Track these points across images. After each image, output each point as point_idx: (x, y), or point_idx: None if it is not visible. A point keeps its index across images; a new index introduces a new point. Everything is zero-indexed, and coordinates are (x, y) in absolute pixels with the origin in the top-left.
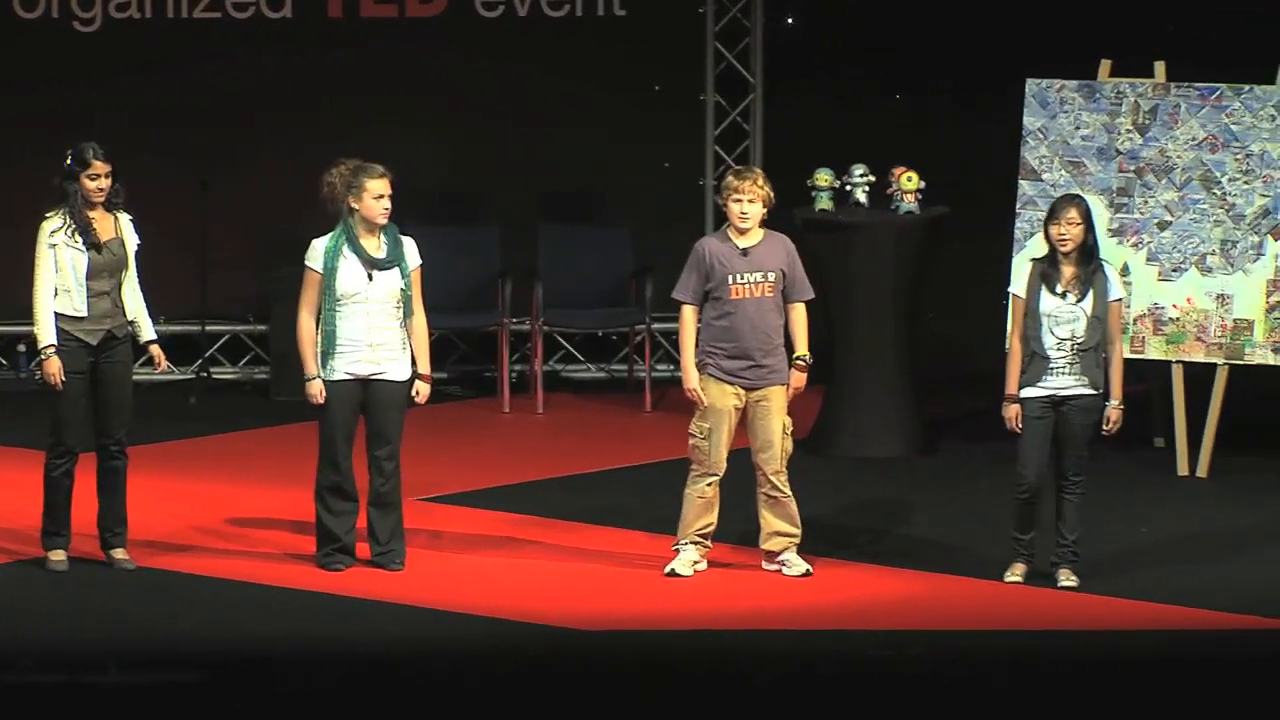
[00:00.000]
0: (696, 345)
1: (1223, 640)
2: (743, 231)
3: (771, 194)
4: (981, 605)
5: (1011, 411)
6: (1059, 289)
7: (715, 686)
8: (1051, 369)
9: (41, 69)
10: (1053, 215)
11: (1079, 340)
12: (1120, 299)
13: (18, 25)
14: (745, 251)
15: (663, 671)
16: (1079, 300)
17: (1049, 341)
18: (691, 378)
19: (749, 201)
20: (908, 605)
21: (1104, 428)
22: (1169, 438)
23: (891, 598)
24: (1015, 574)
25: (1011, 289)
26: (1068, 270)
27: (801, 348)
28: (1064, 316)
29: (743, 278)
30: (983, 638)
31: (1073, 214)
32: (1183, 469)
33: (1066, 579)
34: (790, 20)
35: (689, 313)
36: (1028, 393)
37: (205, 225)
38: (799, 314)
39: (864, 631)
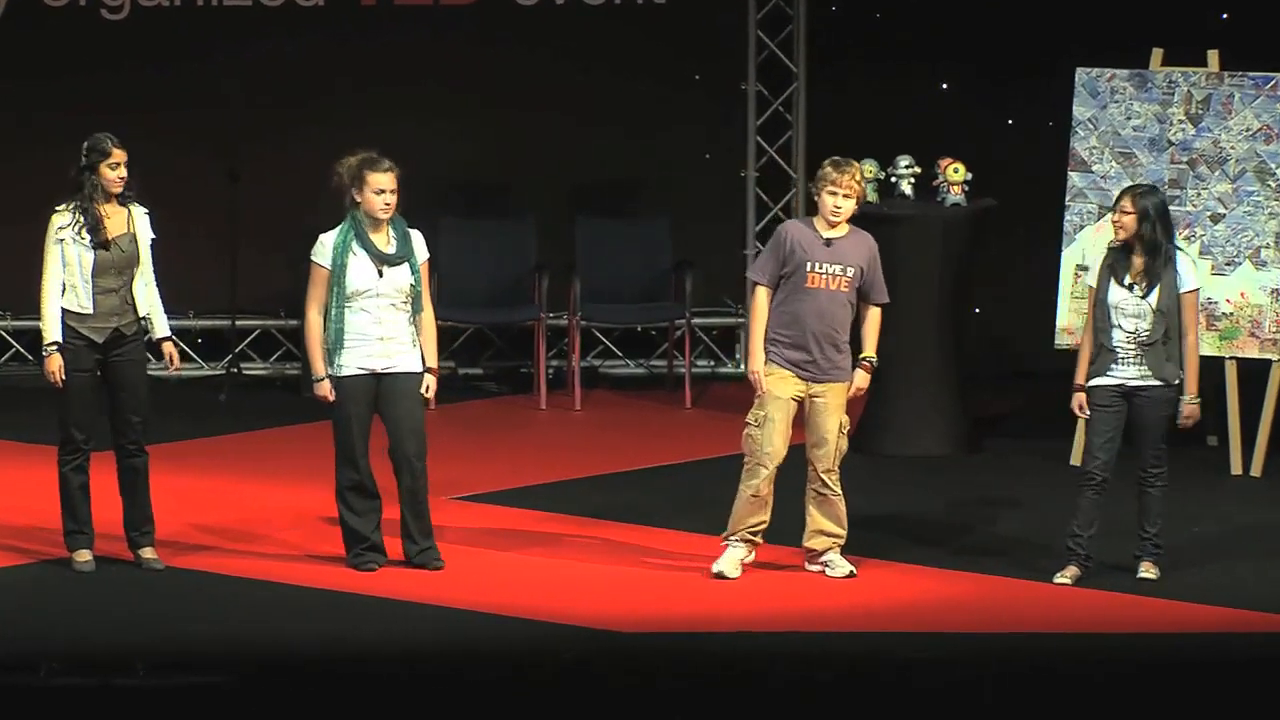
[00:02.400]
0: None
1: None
2: (832, 225)
3: (866, 191)
4: (1027, 607)
5: (1079, 400)
6: (1127, 281)
7: (757, 688)
8: (1118, 359)
9: (69, 58)
10: (1113, 203)
11: (1144, 334)
12: (1194, 289)
13: (46, 13)
14: (829, 242)
15: (702, 673)
16: (1145, 294)
17: (1116, 335)
18: (757, 360)
19: (844, 196)
20: (952, 607)
21: (1178, 422)
22: (1222, 435)
23: (936, 599)
24: (1065, 576)
25: (1087, 279)
26: (1137, 261)
27: (870, 349)
28: (1130, 309)
29: (822, 267)
30: (1028, 640)
31: (1125, 203)
32: (1236, 468)
33: (1146, 571)
34: (834, 8)
35: (762, 294)
36: (1097, 381)
37: (235, 217)
38: (874, 316)
39: (908, 634)
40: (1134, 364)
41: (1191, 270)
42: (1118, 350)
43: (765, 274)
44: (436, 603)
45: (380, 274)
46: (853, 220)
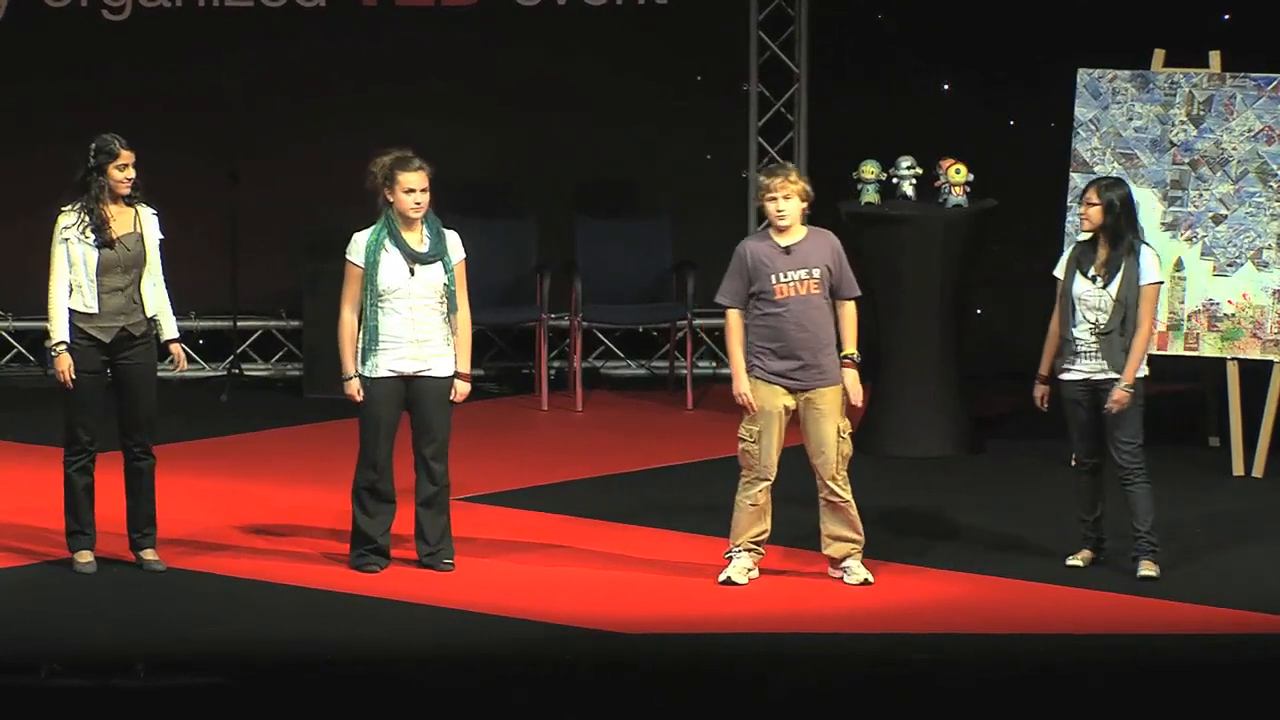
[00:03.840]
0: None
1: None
2: (783, 229)
3: (808, 188)
4: (1030, 608)
5: (1039, 391)
6: (1090, 272)
7: (760, 690)
8: (1079, 352)
9: (71, 59)
10: (1080, 195)
11: (1101, 325)
12: (1156, 283)
13: (47, 15)
14: (788, 249)
15: (704, 675)
16: (1105, 285)
17: (1079, 326)
18: (742, 382)
19: (784, 198)
20: (956, 608)
21: (1104, 407)
22: (1224, 437)
23: (940, 600)
24: (1077, 559)
25: (1055, 271)
26: (1102, 253)
27: (850, 346)
28: (1091, 300)
29: (787, 276)
30: (1031, 641)
31: (1090, 194)
32: (1238, 469)
33: (1146, 570)
34: (835, 9)
35: (734, 317)
36: (1065, 375)
37: (236, 218)
38: (848, 311)
39: (912, 635)
40: (1094, 358)
41: (1155, 264)
42: (1079, 341)
43: (732, 296)
44: (437, 604)
45: (411, 273)
46: (811, 221)
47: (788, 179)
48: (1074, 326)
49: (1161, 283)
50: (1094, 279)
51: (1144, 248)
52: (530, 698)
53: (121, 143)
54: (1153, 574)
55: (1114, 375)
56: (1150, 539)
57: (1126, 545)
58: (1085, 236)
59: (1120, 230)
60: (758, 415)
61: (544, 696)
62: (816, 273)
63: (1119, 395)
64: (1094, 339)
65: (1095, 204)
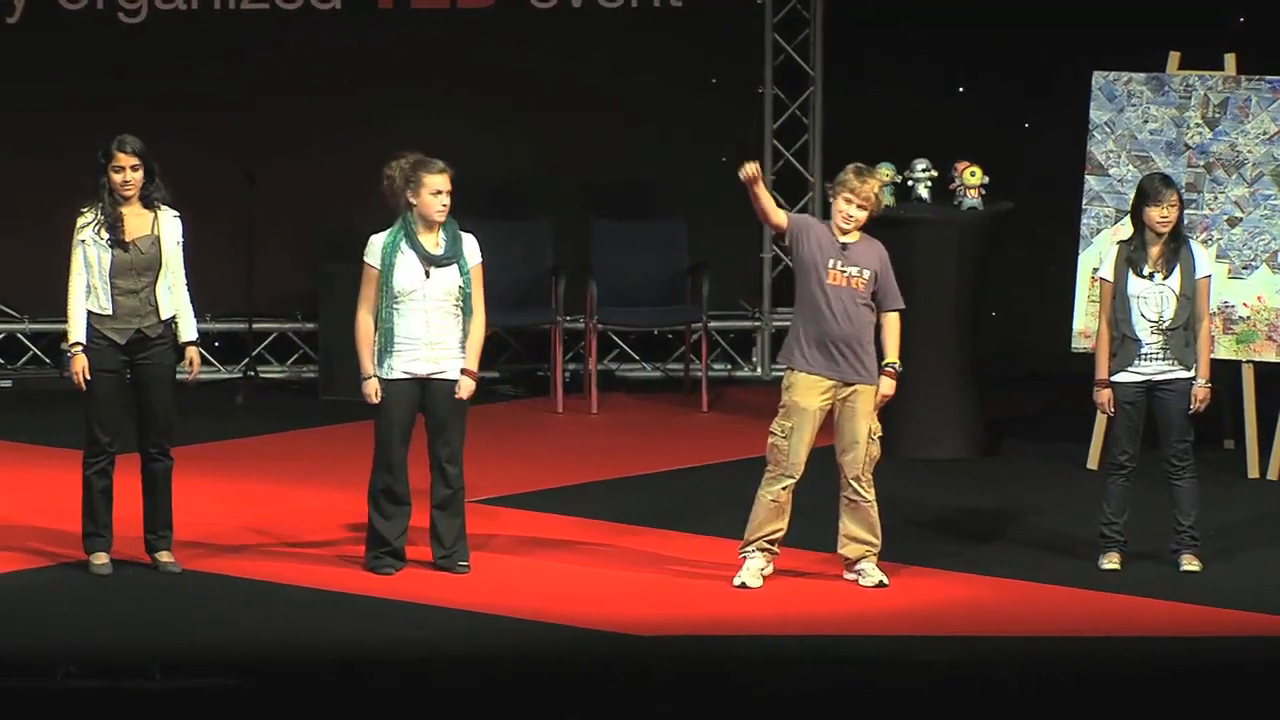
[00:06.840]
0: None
1: None
2: (844, 232)
3: (881, 204)
4: (1048, 611)
5: (1103, 396)
6: (1145, 270)
7: (776, 692)
8: (1143, 353)
9: (86, 61)
10: (1151, 198)
11: (1168, 320)
12: (1209, 275)
13: (63, 17)
14: (845, 246)
15: (722, 677)
16: (1165, 279)
17: (1139, 324)
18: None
19: (858, 206)
20: (971, 611)
21: (1190, 406)
22: (1239, 439)
23: (956, 603)
24: (1112, 562)
25: (1099, 273)
26: (1154, 250)
27: (892, 355)
28: (1152, 297)
29: (841, 265)
30: (1050, 644)
31: (1172, 197)
32: (1253, 471)
33: (1189, 564)
34: (850, 11)
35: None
36: (1120, 377)
37: (252, 220)
38: (892, 322)
39: (930, 638)
40: (1157, 358)
41: (1204, 256)
42: (1141, 339)
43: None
44: (452, 605)
45: (427, 275)
46: (867, 225)
47: (873, 190)
48: (1134, 327)
49: (1211, 275)
50: (1150, 276)
51: (1190, 240)
52: (545, 699)
53: (120, 144)
54: (1195, 568)
55: (1179, 374)
56: (1193, 533)
57: (1133, 548)
58: (1125, 235)
59: (1181, 228)
60: (791, 411)
61: (558, 698)
62: (867, 274)
63: (1202, 394)
64: (1157, 336)
65: (1177, 206)
